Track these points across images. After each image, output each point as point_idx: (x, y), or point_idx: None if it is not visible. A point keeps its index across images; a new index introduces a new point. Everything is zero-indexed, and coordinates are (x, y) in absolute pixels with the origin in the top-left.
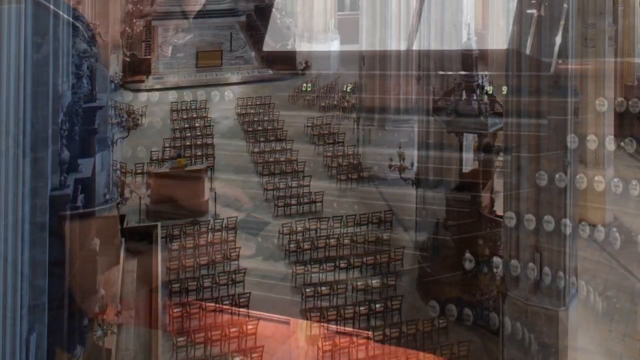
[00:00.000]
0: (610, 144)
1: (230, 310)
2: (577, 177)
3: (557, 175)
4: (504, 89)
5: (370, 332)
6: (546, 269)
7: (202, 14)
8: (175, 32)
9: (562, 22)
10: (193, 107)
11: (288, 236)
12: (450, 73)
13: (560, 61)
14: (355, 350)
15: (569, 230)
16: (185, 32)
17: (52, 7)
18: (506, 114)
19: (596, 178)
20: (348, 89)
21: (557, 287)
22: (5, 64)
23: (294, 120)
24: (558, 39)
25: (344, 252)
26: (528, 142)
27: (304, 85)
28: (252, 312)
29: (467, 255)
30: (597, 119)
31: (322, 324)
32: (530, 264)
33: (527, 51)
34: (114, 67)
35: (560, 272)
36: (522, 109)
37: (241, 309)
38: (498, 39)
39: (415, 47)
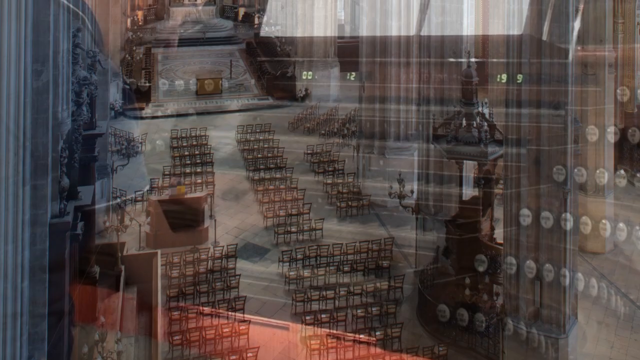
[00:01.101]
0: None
1: (230, 338)
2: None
3: (576, 170)
4: (519, 77)
5: (374, 339)
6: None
7: (202, 42)
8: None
9: (582, 6)
10: (193, 134)
11: (288, 264)
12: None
13: (579, 47)
14: None
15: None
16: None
17: (52, 34)
18: (523, 104)
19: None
20: (352, 77)
21: (557, 314)
22: (5, 91)
23: (294, 147)
24: (577, 24)
25: (344, 280)
26: (546, 134)
27: (304, 73)
28: (249, 317)
29: (467, 281)
30: (597, 152)
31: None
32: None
33: (544, 37)
34: (114, 94)
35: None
36: (536, 99)
37: (241, 336)
38: (498, 67)
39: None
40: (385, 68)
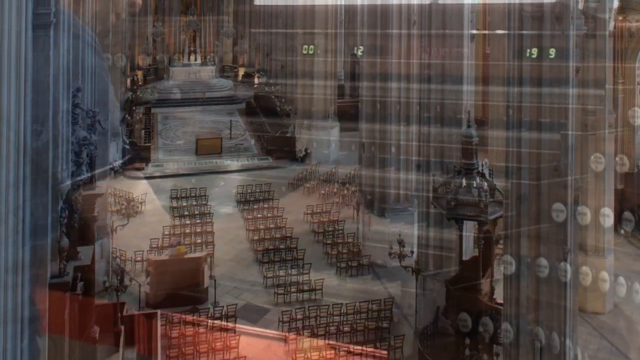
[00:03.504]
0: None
1: None
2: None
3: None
4: (552, 51)
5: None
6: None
7: (202, 102)
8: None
9: None
10: (192, 194)
11: (288, 324)
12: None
13: (620, 18)
14: None
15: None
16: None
17: (51, 94)
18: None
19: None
20: (359, 52)
21: None
22: (5, 151)
23: (294, 208)
24: None
25: (344, 340)
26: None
27: (305, 47)
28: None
29: (467, 342)
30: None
31: None
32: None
33: (580, 5)
34: (114, 154)
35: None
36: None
37: None
38: (499, 126)
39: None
40: (384, 132)
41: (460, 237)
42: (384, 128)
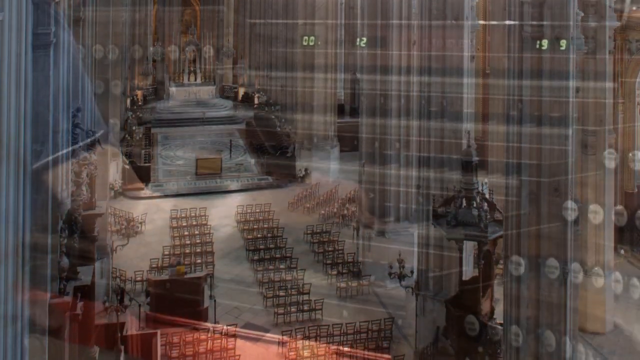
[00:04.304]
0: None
1: None
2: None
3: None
4: (563, 43)
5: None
6: None
7: (201, 122)
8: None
9: None
10: (192, 214)
11: (288, 344)
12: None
13: (634, 8)
14: None
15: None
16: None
17: (51, 114)
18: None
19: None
20: (362, 44)
21: None
22: (4, 171)
23: (294, 227)
24: None
25: (344, 358)
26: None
27: (305, 38)
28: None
29: None
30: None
31: None
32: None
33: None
34: (114, 174)
35: None
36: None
37: None
38: (498, 146)
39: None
40: (383, 155)
41: (460, 257)
42: (385, 122)
